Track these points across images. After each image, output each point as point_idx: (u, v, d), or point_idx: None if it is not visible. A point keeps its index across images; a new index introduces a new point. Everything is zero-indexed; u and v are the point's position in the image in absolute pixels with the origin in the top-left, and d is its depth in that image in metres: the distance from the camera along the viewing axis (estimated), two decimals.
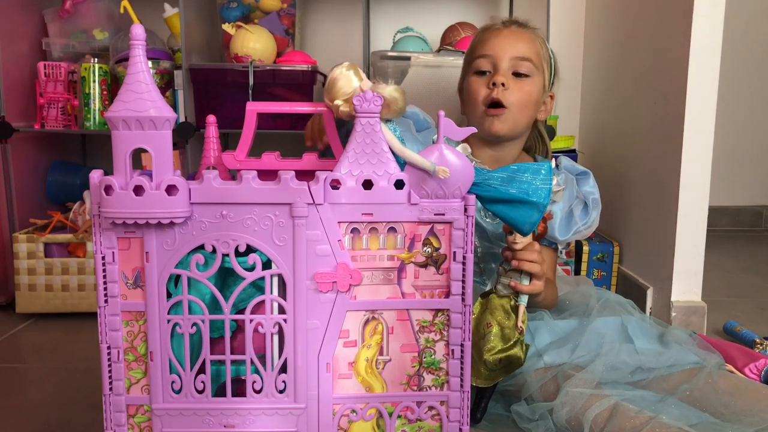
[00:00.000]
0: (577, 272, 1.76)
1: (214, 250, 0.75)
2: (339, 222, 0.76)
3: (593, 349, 1.05)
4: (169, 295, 0.76)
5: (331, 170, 0.76)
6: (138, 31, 0.70)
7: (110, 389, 0.77)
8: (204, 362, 0.77)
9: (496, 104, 1.12)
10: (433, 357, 0.80)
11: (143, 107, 0.70)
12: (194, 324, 0.77)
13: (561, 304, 1.20)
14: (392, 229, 0.77)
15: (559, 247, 1.30)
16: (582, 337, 1.06)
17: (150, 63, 1.32)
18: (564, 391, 0.97)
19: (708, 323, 1.47)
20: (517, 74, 1.13)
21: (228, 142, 1.97)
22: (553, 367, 1.03)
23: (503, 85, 1.11)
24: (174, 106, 1.70)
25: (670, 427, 0.87)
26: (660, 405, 0.95)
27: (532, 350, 1.05)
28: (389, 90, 0.77)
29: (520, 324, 0.95)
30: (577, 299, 1.21)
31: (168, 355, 0.77)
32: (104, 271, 0.75)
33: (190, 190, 0.73)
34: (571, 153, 1.83)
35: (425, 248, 0.78)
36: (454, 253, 0.77)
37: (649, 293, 1.56)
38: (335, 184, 0.76)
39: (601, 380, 0.99)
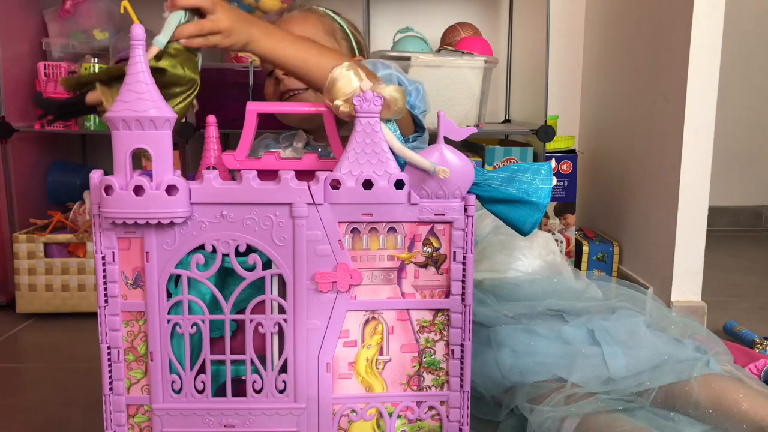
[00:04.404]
0: None
1: (214, 250, 0.75)
2: (339, 222, 0.76)
3: (559, 361, 1.00)
4: (169, 295, 0.76)
5: (331, 170, 0.76)
6: (138, 31, 0.70)
7: (110, 389, 0.77)
8: (204, 362, 0.77)
9: None
10: (433, 357, 0.80)
11: (143, 107, 0.70)
12: (194, 324, 0.77)
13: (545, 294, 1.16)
14: (392, 229, 0.77)
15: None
16: (551, 347, 1.02)
17: None
18: (537, 410, 0.94)
19: (708, 323, 1.47)
20: None
21: (228, 142, 1.97)
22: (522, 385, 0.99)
23: None
24: None
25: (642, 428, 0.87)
26: (634, 412, 0.94)
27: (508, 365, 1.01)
28: (389, 90, 0.77)
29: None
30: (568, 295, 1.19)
31: (168, 355, 0.77)
32: (104, 271, 0.75)
33: (190, 190, 0.73)
34: (571, 153, 1.83)
35: (425, 248, 0.78)
36: (454, 253, 0.77)
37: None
38: (335, 184, 0.75)
39: (573, 393, 0.96)
